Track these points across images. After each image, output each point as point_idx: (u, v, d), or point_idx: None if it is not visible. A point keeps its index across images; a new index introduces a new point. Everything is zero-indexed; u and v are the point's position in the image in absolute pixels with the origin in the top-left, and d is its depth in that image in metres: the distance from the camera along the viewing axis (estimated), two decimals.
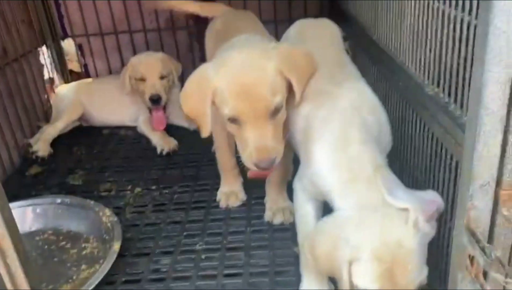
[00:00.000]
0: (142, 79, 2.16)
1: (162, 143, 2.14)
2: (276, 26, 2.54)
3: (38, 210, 1.62)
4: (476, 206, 0.76)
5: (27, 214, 1.60)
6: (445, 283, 0.97)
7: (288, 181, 1.60)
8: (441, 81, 1.04)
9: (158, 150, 2.13)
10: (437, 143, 1.06)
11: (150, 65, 2.16)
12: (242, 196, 1.70)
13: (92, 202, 1.60)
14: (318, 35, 1.46)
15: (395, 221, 0.95)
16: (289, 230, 1.52)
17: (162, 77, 2.17)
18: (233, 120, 1.20)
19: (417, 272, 0.94)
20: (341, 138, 1.09)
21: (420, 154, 1.19)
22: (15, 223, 0.92)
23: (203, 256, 1.44)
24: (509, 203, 0.77)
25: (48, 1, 2.51)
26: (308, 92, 1.21)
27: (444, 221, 1.05)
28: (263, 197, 1.64)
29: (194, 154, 2.07)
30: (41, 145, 2.14)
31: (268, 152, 1.19)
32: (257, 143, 1.19)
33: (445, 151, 1.02)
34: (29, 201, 1.62)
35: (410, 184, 1.30)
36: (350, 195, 1.03)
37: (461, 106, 0.93)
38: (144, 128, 2.27)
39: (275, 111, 1.19)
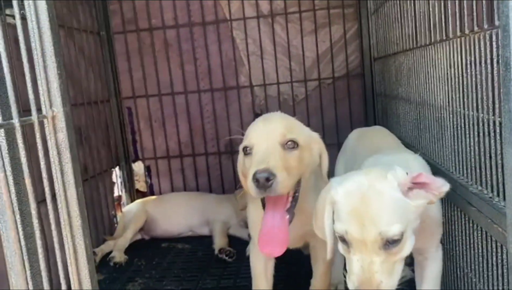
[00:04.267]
0: None
1: (223, 245, 2.29)
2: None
3: None
4: None
5: None
6: None
7: None
8: (483, 179, 1.14)
9: (216, 250, 2.28)
10: (487, 236, 1.12)
11: None
12: None
13: None
14: (376, 132, 1.81)
15: (375, 176, 1.07)
16: None
17: None
18: (247, 152, 1.32)
19: (386, 222, 1.01)
20: None
21: (470, 251, 1.24)
22: None
23: None
24: None
25: (125, 129, 2.89)
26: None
27: None
28: None
29: (248, 266, 2.13)
30: (117, 254, 2.33)
31: (267, 165, 1.21)
32: (261, 156, 1.26)
33: (494, 243, 1.07)
34: None
35: (464, 281, 1.31)
36: None
37: (504, 198, 1.02)
38: (215, 227, 2.45)
39: (291, 146, 1.31)
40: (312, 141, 1.41)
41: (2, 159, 0.71)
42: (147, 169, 2.96)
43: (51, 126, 0.87)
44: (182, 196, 2.72)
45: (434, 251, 1.30)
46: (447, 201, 1.36)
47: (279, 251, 1.30)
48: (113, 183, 2.80)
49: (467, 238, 1.25)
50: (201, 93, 2.84)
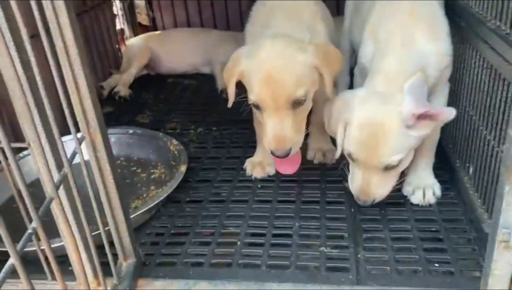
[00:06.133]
0: None
1: (224, 85, 2.28)
2: None
3: (112, 139, 1.76)
4: None
5: None
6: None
7: None
8: (503, 15, 1.06)
9: (219, 89, 2.32)
10: (496, 74, 1.09)
11: None
12: (269, 169, 1.59)
13: (160, 133, 1.76)
14: None
15: (388, 107, 1.18)
16: (340, 169, 1.60)
17: None
18: (257, 106, 1.32)
19: (389, 154, 1.19)
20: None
21: (477, 92, 1.23)
22: (104, 123, 1.05)
23: (259, 185, 1.55)
24: None
25: None
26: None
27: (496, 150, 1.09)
28: None
29: None
30: (121, 88, 2.36)
31: (284, 142, 1.29)
32: (275, 131, 1.29)
33: (503, 82, 1.05)
34: None
35: (467, 128, 1.34)
36: (376, 80, 1.25)
37: None
38: (216, 68, 2.43)
39: (299, 101, 1.28)
40: (314, 71, 1.31)
41: None
42: (148, 1, 2.81)
43: None
44: (185, 32, 2.62)
45: (441, 86, 1.32)
46: (460, 38, 1.30)
47: (293, 171, 1.44)
48: (114, 16, 2.69)
49: (475, 77, 1.23)
50: None
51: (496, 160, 1.11)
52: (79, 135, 0.96)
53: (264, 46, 1.31)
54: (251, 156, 1.69)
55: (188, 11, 2.80)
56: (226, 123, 2.01)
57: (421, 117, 1.14)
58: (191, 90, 2.45)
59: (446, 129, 1.50)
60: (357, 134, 1.22)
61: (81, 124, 0.98)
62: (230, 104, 1.43)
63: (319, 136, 1.67)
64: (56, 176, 0.85)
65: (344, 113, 1.25)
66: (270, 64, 1.27)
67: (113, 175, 1.05)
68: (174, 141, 1.68)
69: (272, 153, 1.32)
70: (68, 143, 0.96)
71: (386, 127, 1.17)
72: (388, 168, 1.23)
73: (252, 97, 1.30)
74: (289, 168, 1.44)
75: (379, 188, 1.27)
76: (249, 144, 1.81)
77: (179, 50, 2.54)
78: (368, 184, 1.27)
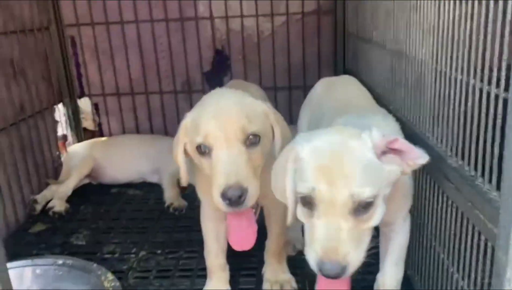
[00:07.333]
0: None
1: (172, 199, 2.12)
2: (290, 93, 2.58)
3: (38, 271, 1.54)
4: None
5: (25, 275, 1.52)
6: None
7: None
8: (466, 154, 1.00)
9: (166, 204, 2.12)
10: (462, 218, 1.00)
11: None
12: None
13: (94, 265, 1.53)
14: (345, 84, 1.58)
15: (348, 134, 0.96)
16: None
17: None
18: (203, 151, 1.15)
19: (359, 183, 0.90)
20: None
21: (443, 230, 1.13)
22: (11, 284, 0.86)
23: None
24: None
25: (68, 60, 2.57)
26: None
27: None
28: None
29: None
30: (57, 202, 2.13)
31: (237, 178, 1.08)
32: (227, 167, 1.10)
33: (471, 227, 0.96)
34: (29, 261, 1.55)
35: (434, 264, 1.23)
36: None
37: (490, 180, 0.89)
38: (164, 179, 2.27)
39: (253, 141, 1.15)
40: (266, 119, 1.22)
41: None
42: (95, 106, 2.70)
43: None
44: (132, 140, 2.49)
45: (401, 222, 1.20)
46: (421, 169, 1.23)
47: (250, 246, 1.24)
48: (56, 122, 2.53)
49: (441, 213, 1.14)
50: (154, 23, 2.53)
51: None
52: None
53: (210, 95, 1.25)
54: (201, 288, 1.49)
55: (138, 117, 2.69)
56: (172, 245, 1.82)
57: (391, 148, 0.95)
58: (135, 202, 2.26)
59: (413, 260, 1.39)
60: (313, 161, 0.94)
61: None
62: (184, 182, 1.30)
63: (275, 264, 1.52)
64: None
65: (291, 152, 1.00)
66: (217, 105, 1.16)
67: None
68: (110, 276, 1.45)
69: (224, 196, 1.08)
70: None
71: (353, 151, 0.93)
72: (360, 209, 0.91)
73: (199, 138, 1.13)
74: (245, 241, 1.22)
75: (351, 243, 0.91)
76: (197, 273, 1.62)
77: (125, 158, 2.39)
78: (336, 237, 0.91)
